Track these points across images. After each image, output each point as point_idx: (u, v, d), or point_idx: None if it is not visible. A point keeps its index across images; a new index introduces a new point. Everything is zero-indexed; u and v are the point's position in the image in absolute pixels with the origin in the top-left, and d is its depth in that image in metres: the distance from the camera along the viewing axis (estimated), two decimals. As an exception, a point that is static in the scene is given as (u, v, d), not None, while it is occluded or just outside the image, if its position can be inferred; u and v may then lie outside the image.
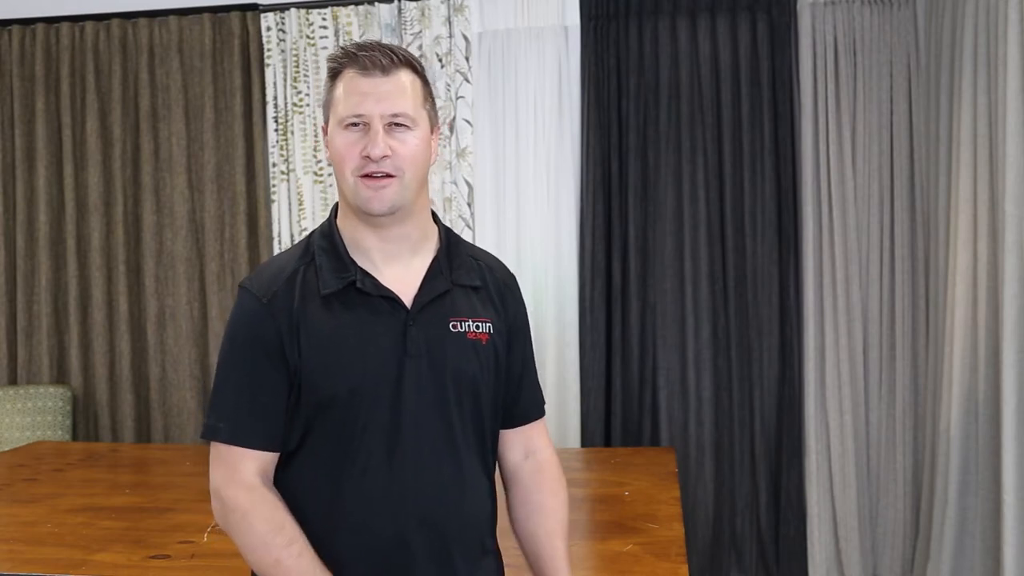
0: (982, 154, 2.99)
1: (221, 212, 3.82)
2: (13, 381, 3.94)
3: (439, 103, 3.60)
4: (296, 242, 1.42)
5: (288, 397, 1.28)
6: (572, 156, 3.66)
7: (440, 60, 3.61)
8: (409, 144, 1.29)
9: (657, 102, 3.56)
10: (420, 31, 3.62)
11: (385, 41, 1.61)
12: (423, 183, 1.35)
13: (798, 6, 3.48)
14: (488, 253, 1.51)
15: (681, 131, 3.55)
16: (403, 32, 3.63)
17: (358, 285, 1.29)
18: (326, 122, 1.34)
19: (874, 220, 3.48)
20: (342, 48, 1.32)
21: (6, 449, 3.46)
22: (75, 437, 3.82)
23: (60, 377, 3.92)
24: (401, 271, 1.33)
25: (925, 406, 3.41)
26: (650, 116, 3.57)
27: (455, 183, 3.62)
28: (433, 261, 1.35)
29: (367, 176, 1.27)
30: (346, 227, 1.35)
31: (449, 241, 1.39)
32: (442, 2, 3.61)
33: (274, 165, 3.72)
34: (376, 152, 1.26)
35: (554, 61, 3.66)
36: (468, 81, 3.61)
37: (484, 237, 3.69)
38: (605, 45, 3.57)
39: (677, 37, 3.55)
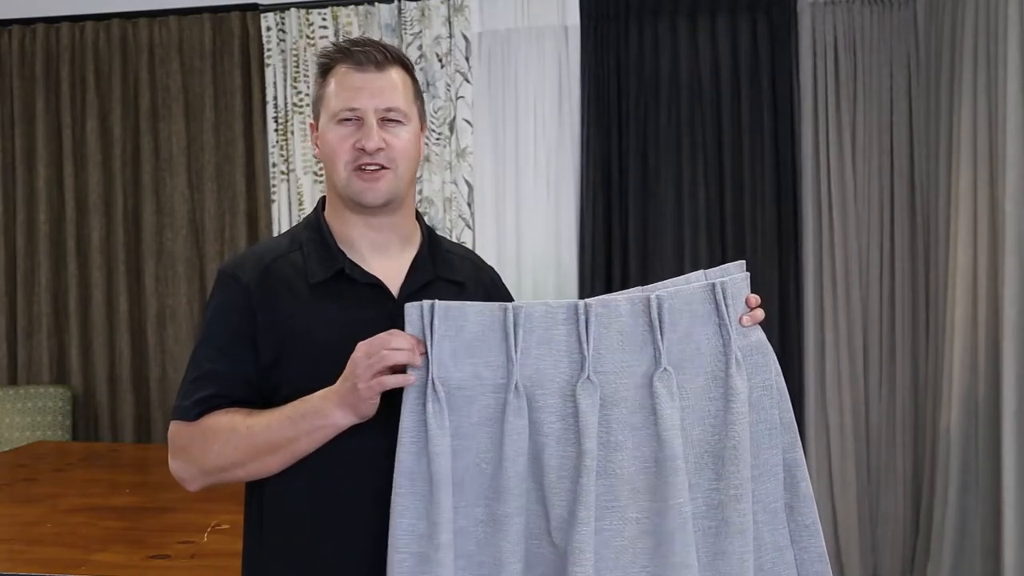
0: (982, 154, 2.99)
1: (221, 212, 3.82)
2: (13, 381, 3.93)
3: (439, 103, 3.60)
4: (280, 234, 1.43)
5: (258, 384, 1.28)
6: (572, 156, 3.66)
7: (440, 60, 3.61)
8: (402, 138, 1.31)
9: (657, 102, 3.56)
10: (420, 31, 3.62)
11: (385, 40, 1.62)
12: (413, 178, 1.37)
13: (798, 6, 3.48)
14: (468, 249, 1.53)
15: (681, 131, 3.55)
16: (403, 32, 3.63)
17: (346, 272, 1.30)
18: (316, 118, 1.35)
19: (874, 220, 3.48)
20: (334, 44, 1.33)
21: (6, 449, 3.46)
22: (75, 437, 3.82)
23: (60, 377, 3.92)
24: (389, 263, 1.34)
25: (925, 406, 3.41)
26: (650, 116, 3.57)
27: (455, 183, 3.62)
28: (416, 255, 1.37)
29: (360, 168, 1.29)
30: (335, 221, 1.36)
31: (431, 238, 1.41)
32: (442, 2, 3.61)
33: (274, 165, 3.72)
34: (371, 145, 1.27)
35: (554, 61, 3.66)
36: (468, 81, 3.61)
37: (484, 237, 3.69)
38: (605, 45, 3.57)
39: (677, 37, 3.55)
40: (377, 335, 1.18)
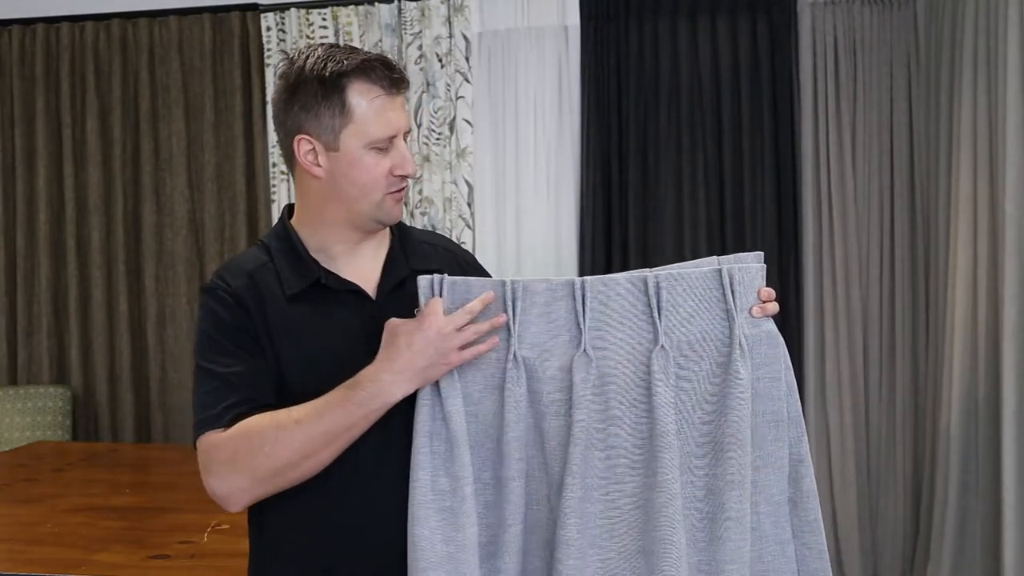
0: (982, 154, 2.99)
1: (221, 212, 3.82)
2: (13, 381, 3.93)
3: (439, 103, 3.60)
4: (249, 248, 1.40)
5: (268, 380, 1.25)
6: (572, 156, 3.66)
7: (440, 60, 3.61)
8: None
9: (657, 102, 3.56)
10: (420, 31, 3.62)
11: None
12: None
13: (798, 6, 3.48)
14: (440, 235, 1.53)
15: (681, 131, 3.55)
16: (403, 32, 3.63)
17: (323, 282, 1.29)
18: (320, 136, 1.26)
19: (874, 220, 3.48)
20: (353, 62, 1.24)
21: (6, 449, 3.46)
22: (75, 437, 3.82)
23: (60, 377, 3.91)
24: (363, 264, 1.33)
25: (925, 406, 3.41)
26: (650, 116, 3.57)
27: (455, 183, 3.62)
28: (389, 251, 1.36)
29: (393, 192, 1.29)
30: (307, 231, 1.33)
31: (401, 231, 1.40)
32: (442, 2, 3.61)
33: (274, 165, 3.72)
34: (413, 169, 1.29)
35: (554, 61, 3.66)
36: (468, 81, 3.61)
37: (484, 237, 3.70)
38: (605, 45, 3.57)
39: (677, 37, 3.55)
40: (435, 314, 1.18)
